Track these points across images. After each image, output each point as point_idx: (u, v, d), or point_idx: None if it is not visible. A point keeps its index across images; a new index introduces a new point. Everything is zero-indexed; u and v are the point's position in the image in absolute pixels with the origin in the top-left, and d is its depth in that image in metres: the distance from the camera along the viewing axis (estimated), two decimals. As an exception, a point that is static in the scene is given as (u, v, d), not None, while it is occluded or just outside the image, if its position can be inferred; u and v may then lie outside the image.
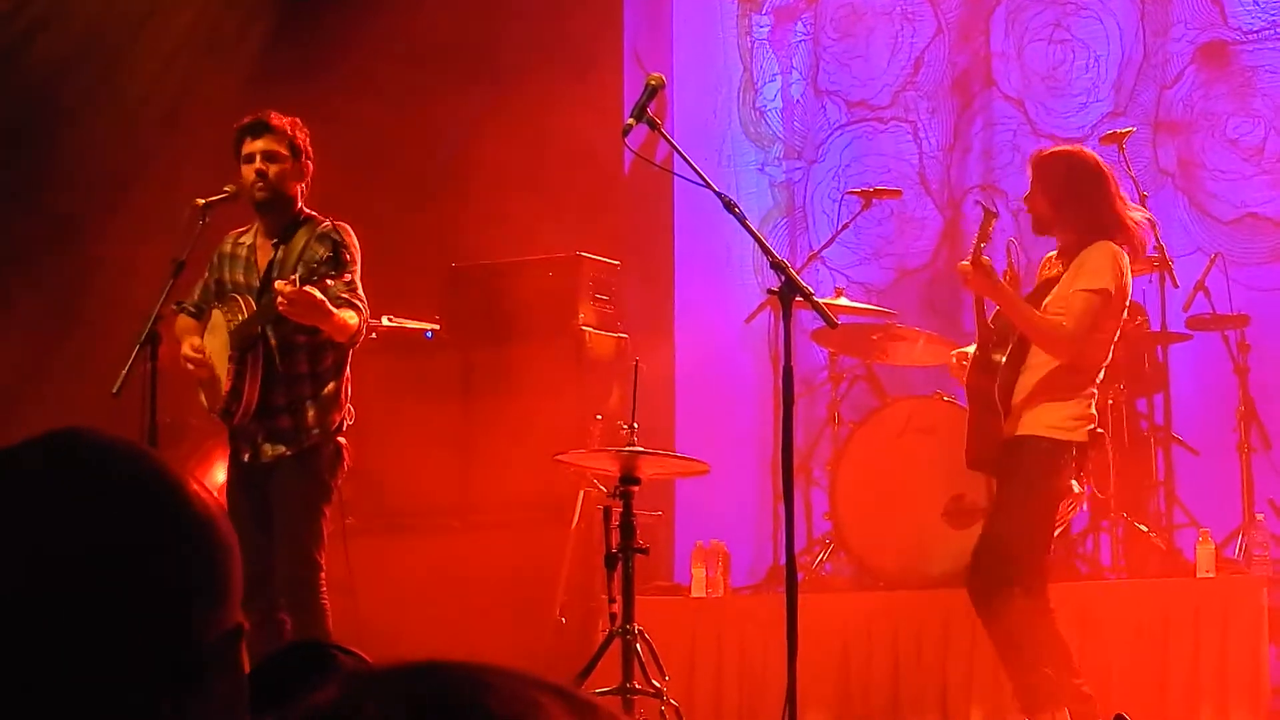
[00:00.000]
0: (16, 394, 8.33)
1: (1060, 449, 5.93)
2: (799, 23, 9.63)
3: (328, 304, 5.74)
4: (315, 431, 6.02)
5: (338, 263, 5.75)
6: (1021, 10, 9.10)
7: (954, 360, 6.33)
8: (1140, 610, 6.80)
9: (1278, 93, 8.54)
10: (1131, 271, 6.06)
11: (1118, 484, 7.14)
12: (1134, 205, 6.20)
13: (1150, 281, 7.48)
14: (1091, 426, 6.00)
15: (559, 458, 6.41)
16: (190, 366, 6.10)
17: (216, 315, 6.12)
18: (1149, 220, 6.24)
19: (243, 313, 6.00)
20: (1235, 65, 8.64)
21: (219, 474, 6.42)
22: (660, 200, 9.48)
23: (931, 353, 7.79)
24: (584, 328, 8.02)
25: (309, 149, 6.13)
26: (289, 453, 6.01)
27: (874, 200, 8.22)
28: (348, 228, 6.00)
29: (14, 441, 1.40)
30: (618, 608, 5.96)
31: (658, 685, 5.92)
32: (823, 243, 8.64)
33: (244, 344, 5.97)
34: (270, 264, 6.09)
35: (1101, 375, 6.08)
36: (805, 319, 7.64)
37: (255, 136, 6.07)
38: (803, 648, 4.79)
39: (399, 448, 7.87)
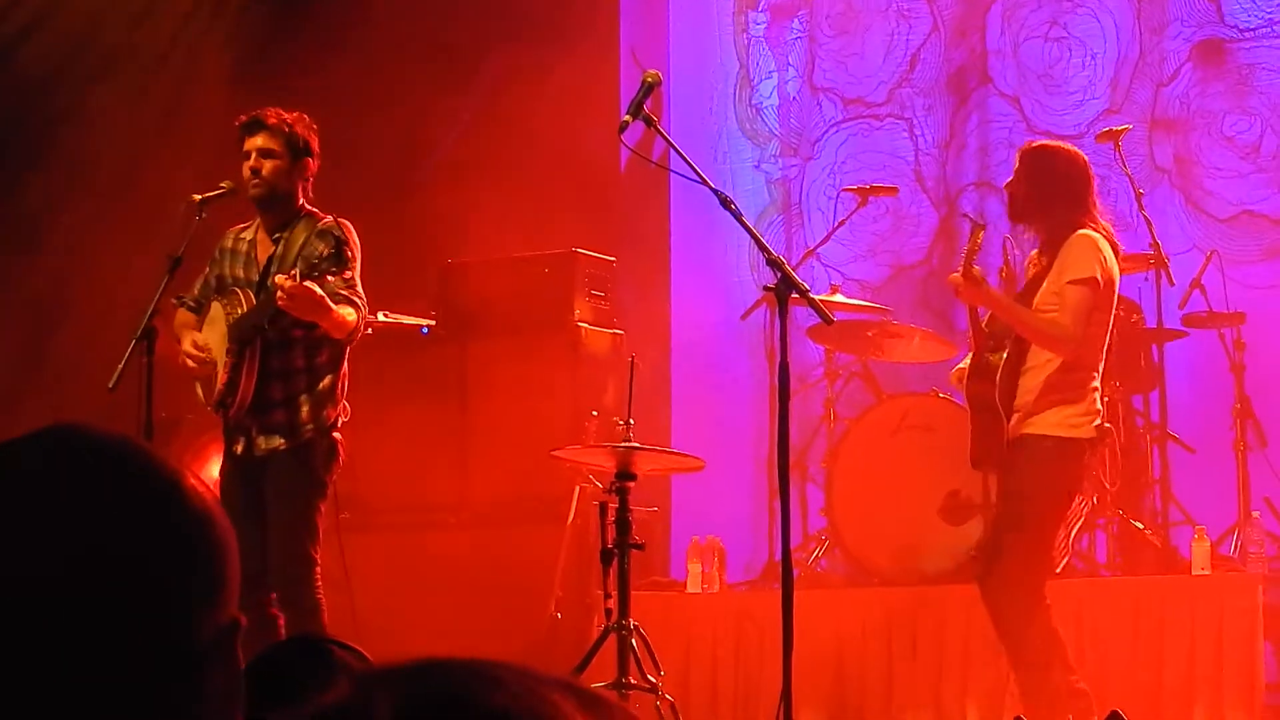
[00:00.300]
0: (13, 389, 8.32)
1: (1069, 446, 5.93)
2: (795, 20, 9.63)
3: (327, 300, 5.74)
4: (310, 427, 6.01)
5: (338, 259, 5.74)
6: (1018, 7, 9.10)
7: (954, 379, 6.35)
8: (1136, 608, 6.80)
9: (1274, 90, 8.54)
10: (1127, 269, 6.06)
11: (1113, 481, 7.14)
12: (1104, 213, 6.19)
13: (1146, 279, 7.47)
14: (1099, 422, 6.00)
15: (555, 453, 6.41)
16: (190, 364, 6.10)
17: (216, 308, 6.12)
18: (1111, 234, 6.19)
19: (242, 306, 6.00)
20: (1232, 63, 8.64)
21: (215, 469, 6.41)
22: (656, 197, 9.48)
23: (927, 349, 7.79)
24: (580, 324, 8.02)
25: (314, 146, 6.12)
26: (283, 446, 6.00)
27: (870, 197, 8.24)
28: (348, 224, 5.97)
29: (11, 437, 1.40)
30: (613, 603, 5.96)
31: (653, 680, 5.93)
32: (819, 239, 8.65)
33: (242, 337, 5.97)
34: (270, 259, 6.09)
35: (1101, 368, 6.08)
36: (801, 315, 7.65)
37: (251, 134, 6.06)
38: (798, 644, 4.79)
39: (394, 443, 7.86)
